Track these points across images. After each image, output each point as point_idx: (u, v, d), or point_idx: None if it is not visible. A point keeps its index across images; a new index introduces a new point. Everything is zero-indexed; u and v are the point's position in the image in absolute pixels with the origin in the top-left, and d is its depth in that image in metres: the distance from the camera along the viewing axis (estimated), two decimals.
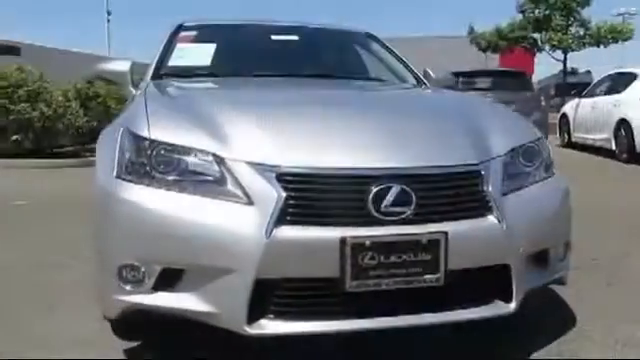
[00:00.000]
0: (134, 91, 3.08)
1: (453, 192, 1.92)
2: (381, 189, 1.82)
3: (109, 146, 2.14)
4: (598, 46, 23.50)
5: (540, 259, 2.13)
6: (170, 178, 1.92)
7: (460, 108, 2.54)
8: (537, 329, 2.36)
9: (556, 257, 2.20)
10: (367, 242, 1.77)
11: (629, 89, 8.90)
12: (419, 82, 3.40)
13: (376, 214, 1.81)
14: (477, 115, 2.36)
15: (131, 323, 2.16)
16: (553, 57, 24.56)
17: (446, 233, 1.83)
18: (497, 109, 2.67)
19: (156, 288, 1.89)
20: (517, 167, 2.14)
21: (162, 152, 1.95)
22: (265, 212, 1.76)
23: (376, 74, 3.47)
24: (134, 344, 2.22)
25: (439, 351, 2.23)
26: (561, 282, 2.29)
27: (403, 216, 1.82)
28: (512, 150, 2.14)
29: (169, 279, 1.88)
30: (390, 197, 1.82)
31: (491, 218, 1.92)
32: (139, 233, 1.88)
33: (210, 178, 1.89)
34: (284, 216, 1.76)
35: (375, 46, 3.74)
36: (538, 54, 25.63)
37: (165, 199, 1.88)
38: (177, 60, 3.18)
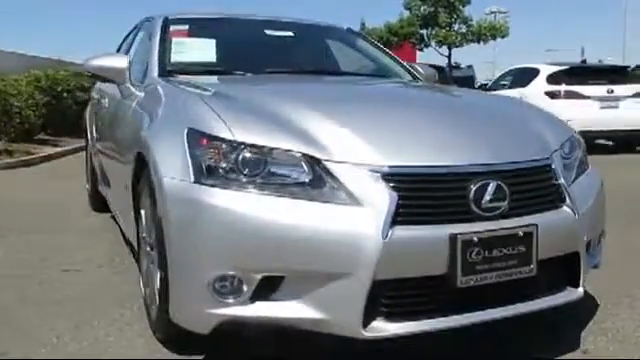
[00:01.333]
0: (133, 88, 2.89)
1: (537, 185, 2.00)
2: (481, 186, 1.86)
3: (168, 150, 1.99)
4: (478, 42, 25.17)
5: (589, 245, 2.28)
6: (259, 181, 1.82)
7: (503, 106, 2.64)
8: None
9: (596, 243, 2.36)
10: (474, 238, 1.80)
11: (533, 83, 9.63)
12: (414, 77, 3.47)
13: (477, 210, 1.85)
14: (522, 112, 2.47)
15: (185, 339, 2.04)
16: (439, 52, 25.95)
17: (537, 225, 1.91)
18: (530, 106, 2.80)
19: (254, 298, 1.80)
20: (568, 160, 2.26)
21: (248, 154, 1.85)
22: (378, 213, 1.73)
23: (375, 70, 3.49)
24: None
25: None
26: (596, 266, 2.46)
27: (499, 211, 1.88)
28: (562, 144, 2.27)
29: (268, 288, 1.80)
30: (489, 193, 1.86)
31: (566, 208, 2.03)
32: (235, 241, 1.77)
33: (302, 180, 1.82)
34: (397, 216, 1.75)
35: (361, 42, 3.76)
36: (425, 49, 26.97)
37: (260, 203, 1.78)
38: (179, 56, 2.99)
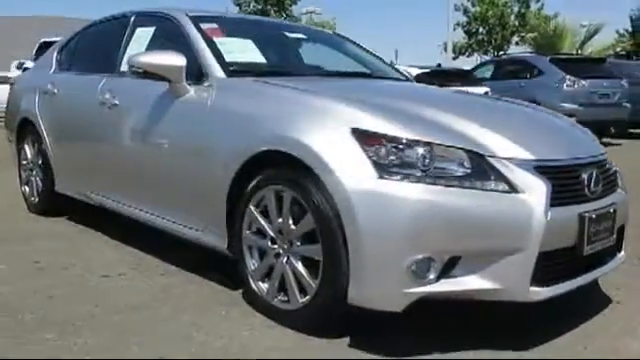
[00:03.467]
0: (189, 87, 2.89)
1: (608, 173, 2.55)
2: (589, 174, 2.35)
3: (336, 150, 2.16)
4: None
5: None
6: (432, 174, 2.10)
7: (542, 110, 3.14)
8: None
9: None
10: (592, 215, 2.29)
11: None
12: (407, 78, 3.86)
13: (588, 193, 2.34)
14: (559, 116, 3.02)
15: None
16: None
17: (615, 203, 2.46)
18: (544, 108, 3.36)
19: (440, 276, 2.09)
20: None
21: (420, 150, 2.12)
22: (539, 198, 2.12)
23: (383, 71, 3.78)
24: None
25: None
26: None
27: (597, 194, 2.39)
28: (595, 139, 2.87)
29: (450, 266, 2.09)
30: (593, 179, 2.36)
31: (620, 190, 2.61)
32: (428, 228, 2.03)
33: (467, 172, 2.13)
34: (550, 200, 2.15)
35: (351, 45, 4.05)
36: None
37: (442, 194, 2.06)
38: (231, 55, 3.03)
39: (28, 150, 4.43)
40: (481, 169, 2.14)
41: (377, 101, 2.49)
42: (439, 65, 14.54)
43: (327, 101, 2.41)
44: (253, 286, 2.52)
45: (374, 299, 2.12)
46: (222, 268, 2.92)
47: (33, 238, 3.72)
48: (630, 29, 31.04)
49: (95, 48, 4.07)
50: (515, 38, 29.42)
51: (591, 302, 2.71)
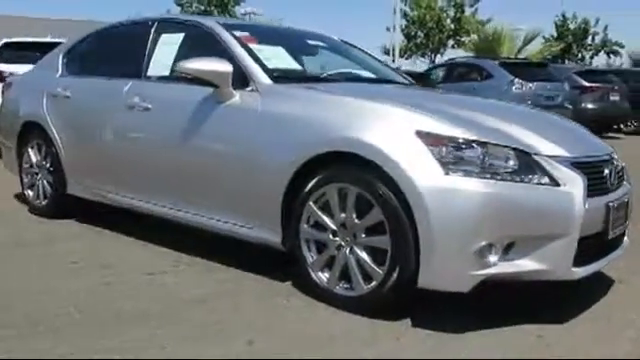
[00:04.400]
0: (234, 92, 3.07)
1: (619, 168, 2.92)
2: (610, 168, 2.72)
3: (403, 150, 2.42)
4: None
5: None
6: (489, 169, 2.39)
7: (545, 112, 3.49)
8: None
9: None
10: (615, 204, 2.65)
11: None
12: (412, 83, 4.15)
13: (609, 185, 2.70)
14: (564, 118, 3.38)
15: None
16: None
17: (627, 194, 2.84)
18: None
19: (500, 259, 2.38)
20: None
21: (479, 149, 2.41)
22: (578, 190, 2.45)
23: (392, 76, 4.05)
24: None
25: None
26: None
27: (615, 185, 2.76)
28: None
29: (507, 251, 2.39)
30: (612, 173, 2.73)
31: (626, 183, 3.00)
32: (492, 217, 2.33)
33: (515, 168, 2.43)
34: (586, 191, 2.49)
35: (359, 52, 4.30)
36: None
37: (502, 187, 2.36)
38: (269, 62, 3.22)
39: (32, 154, 4.42)
40: (528, 165, 2.45)
41: (431, 106, 2.76)
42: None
43: (390, 106, 2.66)
44: (313, 276, 2.73)
45: (444, 282, 2.39)
46: (263, 263, 3.12)
47: (54, 240, 3.76)
48: (555, 34, 33.01)
49: (113, 52, 4.13)
50: (451, 41, 30.51)
51: (599, 281, 3.08)
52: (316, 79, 3.34)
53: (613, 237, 2.69)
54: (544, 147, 2.53)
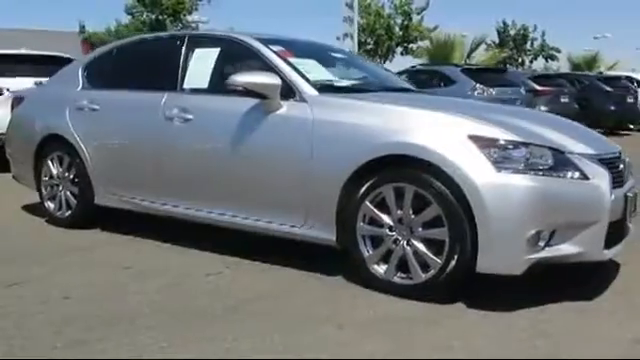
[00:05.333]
0: (282, 103, 3.32)
1: (626, 163, 3.33)
2: (623, 164, 3.12)
3: (459, 152, 2.75)
4: None
5: None
6: (532, 166, 2.74)
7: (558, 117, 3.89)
8: None
9: None
10: (630, 194, 3.06)
11: None
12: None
13: (623, 178, 3.10)
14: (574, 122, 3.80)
15: None
16: None
17: (634, 186, 3.26)
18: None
19: (545, 245, 2.73)
20: None
21: (524, 149, 2.76)
22: (603, 183, 2.83)
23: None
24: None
25: None
26: None
27: (626, 179, 3.17)
28: None
29: (551, 237, 2.75)
30: (624, 167, 3.14)
31: (631, 177, 3.42)
32: (542, 207, 2.67)
33: (551, 165, 2.79)
34: (611, 184, 2.88)
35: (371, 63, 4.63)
36: None
37: (544, 181, 2.72)
38: (311, 75, 3.48)
39: (52, 166, 4.51)
40: (562, 162, 2.82)
41: (474, 113, 3.09)
42: None
43: (443, 114, 3.00)
44: (371, 269, 3.01)
45: (501, 266, 2.72)
46: (312, 260, 3.38)
47: (94, 248, 3.89)
48: (497, 41, 34.48)
49: (142, 66, 4.27)
50: (399, 49, 31.33)
51: (603, 263, 3.47)
52: (351, 90, 3.63)
53: (628, 224, 3.09)
54: (573, 146, 2.91)
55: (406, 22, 30.62)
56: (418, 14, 31.17)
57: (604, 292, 3.05)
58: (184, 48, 3.94)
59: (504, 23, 35.06)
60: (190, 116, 3.67)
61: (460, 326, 2.62)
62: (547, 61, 36.13)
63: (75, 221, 4.42)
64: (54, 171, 4.51)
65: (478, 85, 11.43)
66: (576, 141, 2.98)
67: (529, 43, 35.47)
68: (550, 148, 2.83)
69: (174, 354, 2.34)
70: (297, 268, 3.38)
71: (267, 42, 3.69)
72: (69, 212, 4.44)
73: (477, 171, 2.70)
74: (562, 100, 13.58)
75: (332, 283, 3.18)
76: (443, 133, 2.84)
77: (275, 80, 3.28)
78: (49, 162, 4.54)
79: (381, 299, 2.92)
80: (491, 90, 11.46)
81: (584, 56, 28.68)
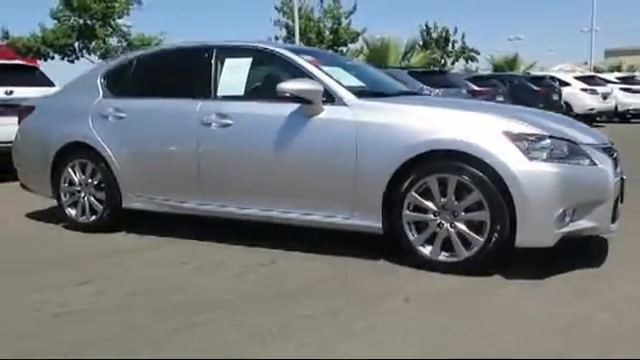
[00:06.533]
0: (324, 107, 3.70)
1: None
2: (616, 152, 3.72)
3: (496, 145, 3.23)
4: None
5: None
6: (554, 156, 3.28)
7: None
8: None
9: None
10: (624, 178, 3.66)
11: None
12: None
13: (617, 164, 3.70)
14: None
15: None
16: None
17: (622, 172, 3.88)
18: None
19: (568, 221, 3.27)
20: None
21: (547, 141, 3.28)
22: (608, 167, 3.41)
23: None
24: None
25: None
26: None
27: (618, 165, 3.77)
28: None
29: (573, 214, 3.29)
30: (617, 156, 3.74)
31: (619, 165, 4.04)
32: (565, 189, 3.20)
33: (567, 154, 3.34)
34: (613, 168, 3.46)
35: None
36: (77, 61, 26.11)
37: (564, 167, 3.25)
38: (346, 81, 3.88)
39: (73, 173, 4.65)
40: (576, 151, 3.37)
41: (499, 112, 3.59)
42: None
43: (478, 113, 3.49)
44: (417, 251, 3.45)
45: (536, 240, 3.23)
46: (350, 248, 3.78)
47: (141, 249, 4.11)
48: (421, 43, 35.94)
49: (169, 76, 4.49)
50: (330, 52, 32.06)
51: (594, 239, 4.08)
52: (380, 94, 4.07)
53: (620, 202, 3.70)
54: (582, 138, 3.48)
55: (336, 26, 31.44)
56: (346, 18, 32.11)
57: (605, 261, 3.63)
58: (214, 59, 4.22)
59: (427, 26, 36.60)
60: (229, 121, 3.97)
61: (510, 294, 3.10)
62: (467, 62, 38.01)
63: (101, 225, 4.58)
64: (75, 178, 4.65)
65: (425, 87, 12.15)
66: (581, 133, 3.55)
67: (450, 45, 37.18)
68: (566, 140, 3.37)
69: (294, 331, 2.67)
70: (339, 255, 3.76)
71: (298, 52, 4.05)
72: (94, 217, 4.60)
73: (513, 161, 3.20)
74: (498, 99, 14.54)
75: (378, 266, 3.59)
76: (482, 130, 3.33)
77: (318, 86, 3.66)
78: (69, 169, 4.67)
79: (429, 276, 3.37)
80: (437, 91, 12.19)
81: (505, 57, 30.48)
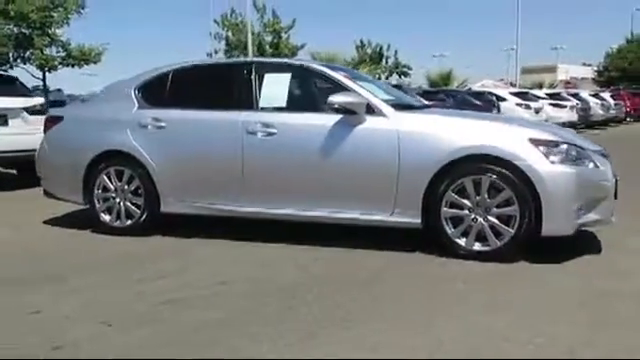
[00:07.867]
0: (368, 118, 4.20)
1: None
2: (609, 157, 4.42)
3: (523, 150, 3.83)
4: (78, 66, 25.30)
5: None
6: (570, 158, 3.91)
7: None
8: None
9: None
10: (617, 177, 4.36)
11: None
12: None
13: (612, 167, 4.40)
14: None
15: None
16: (33, 75, 24.86)
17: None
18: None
19: (582, 214, 3.90)
20: None
21: (564, 146, 3.92)
22: (608, 169, 4.09)
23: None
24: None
25: None
26: None
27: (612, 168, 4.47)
28: None
29: (585, 208, 3.93)
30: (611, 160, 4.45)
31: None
32: (580, 187, 3.84)
33: (577, 157, 3.98)
34: (611, 170, 4.14)
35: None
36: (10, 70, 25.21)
37: (578, 169, 3.89)
38: (379, 95, 4.39)
39: (108, 180, 4.89)
40: (583, 156, 4.02)
41: (520, 123, 4.20)
42: None
43: (503, 124, 4.07)
44: (455, 243, 3.99)
45: (560, 230, 3.86)
46: (384, 244, 4.27)
47: (186, 251, 4.41)
48: (357, 58, 37.10)
49: (208, 89, 4.82)
50: None
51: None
52: (409, 107, 4.61)
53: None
54: (586, 145, 4.15)
55: (276, 40, 31.99)
56: (285, 32, 32.73)
57: (601, 248, 4.30)
58: (253, 74, 4.63)
59: (361, 42, 37.85)
60: (274, 130, 4.38)
61: (540, 275, 3.69)
62: (400, 77, 39.56)
63: (136, 229, 4.83)
64: (110, 185, 4.89)
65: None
66: (584, 141, 4.23)
67: (384, 60, 38.60)
68: (575, 145, 4.03)
69: (389, 304, 3.12)
70: (378, 250, 4.24)
71: (333, 69, 4.53)
72: (129, 221, 4.85)
73: (539, 164, 3.81)
74: None
75: (417, 256, 4.10)
76: (511, 137, 3.93)
77: (363, 99, 4.15)
78: (104, 176, 4.90)
79: (464, 263, 3.90)
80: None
81: (440, 73, 32.05)
